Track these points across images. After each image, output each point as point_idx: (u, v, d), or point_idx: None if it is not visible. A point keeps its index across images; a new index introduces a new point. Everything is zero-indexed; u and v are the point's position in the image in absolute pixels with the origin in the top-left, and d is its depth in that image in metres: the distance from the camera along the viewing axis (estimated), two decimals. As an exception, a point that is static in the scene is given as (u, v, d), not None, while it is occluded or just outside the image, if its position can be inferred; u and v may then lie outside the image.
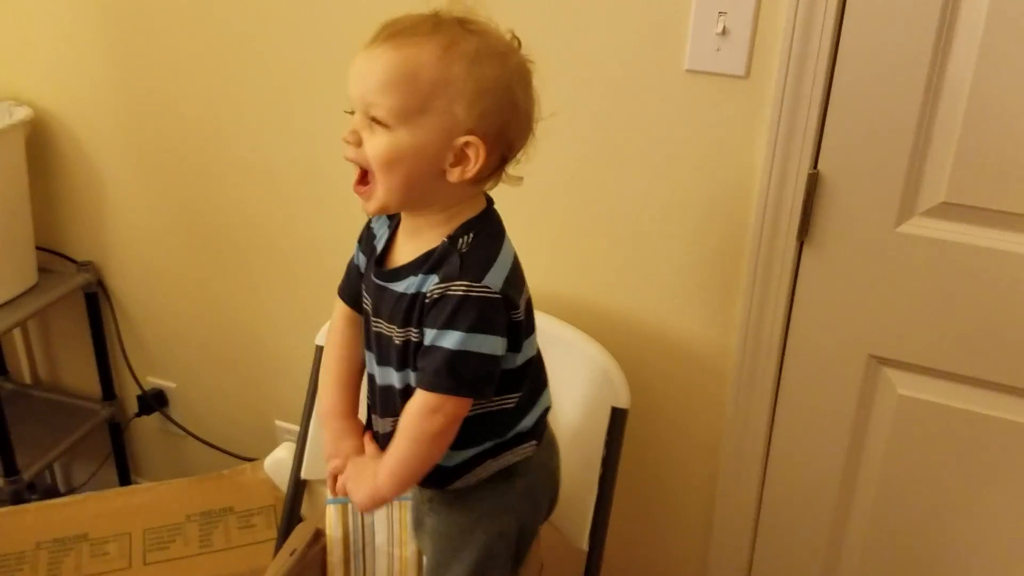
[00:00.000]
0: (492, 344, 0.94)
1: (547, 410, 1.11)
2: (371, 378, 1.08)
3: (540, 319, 1.24)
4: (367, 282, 1.05)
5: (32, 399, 1.98)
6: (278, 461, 1.61)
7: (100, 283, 1.83)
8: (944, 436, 1.26)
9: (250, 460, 1.78)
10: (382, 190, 0.94)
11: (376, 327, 1.03)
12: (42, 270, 1.79)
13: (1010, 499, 1.26)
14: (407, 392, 1.00)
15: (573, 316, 1.34)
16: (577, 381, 1.28)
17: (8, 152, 1.66)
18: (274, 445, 1.67)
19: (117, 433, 1.96)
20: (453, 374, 0.93)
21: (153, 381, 1.91)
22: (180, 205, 1.71)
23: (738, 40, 1.17)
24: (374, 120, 0.91)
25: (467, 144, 0.91)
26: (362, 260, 1.08)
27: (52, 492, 2.05)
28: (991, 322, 1.18)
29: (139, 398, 1.90)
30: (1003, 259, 1.15)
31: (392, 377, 1.02)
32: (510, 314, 0.96)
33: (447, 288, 0.92)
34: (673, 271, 1.34)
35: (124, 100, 1.66)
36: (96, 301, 1.83)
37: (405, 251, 1.00)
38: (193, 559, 1.56)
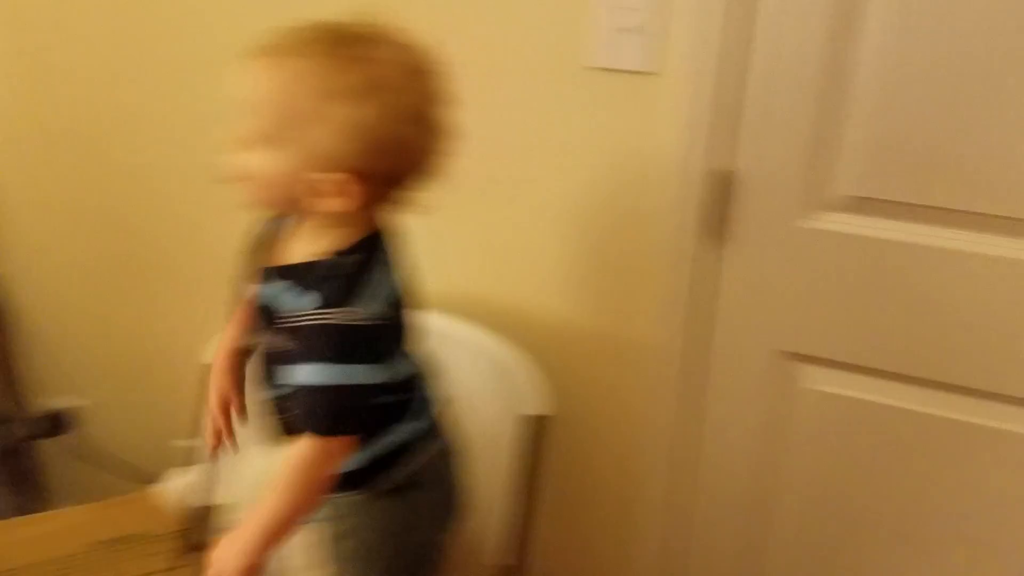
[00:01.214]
0: (364, 373, 0.89)
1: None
2: None
3: (450, 325, 1.22)
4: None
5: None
6: (183, 485, 1.55)
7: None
8: (861, 430, 1.26)
9: (156, 483, 1.71)
10: (249, 197, 0.91)
11: None
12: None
13: (927, 490, 1.26)
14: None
15: (492, 319, 1.31)
16: (486, 388, 1.25)
17: None
18: (180, 468, 1.61)
19: (15, 459, 1.86)
20: (323, 412, 0.89)
21: (55, 402, 1.83)
22: (78, 214, 1.65)
23: (644, 35, 1.15)
24: (247, 132, 0.87)
25: (332, 181, 0.85)
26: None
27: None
28: (903, 316, 1.18)
29: (40, 420, 1.81)
30: (912, 252, 1.15)
31: None
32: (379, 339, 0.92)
33: (319, 315, 0.88)
34: (588, 271, 1.32)
35: (17, 108, 1.61)
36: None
37: (292, 252, 0.95)
38: (98, 591, 1.49)
